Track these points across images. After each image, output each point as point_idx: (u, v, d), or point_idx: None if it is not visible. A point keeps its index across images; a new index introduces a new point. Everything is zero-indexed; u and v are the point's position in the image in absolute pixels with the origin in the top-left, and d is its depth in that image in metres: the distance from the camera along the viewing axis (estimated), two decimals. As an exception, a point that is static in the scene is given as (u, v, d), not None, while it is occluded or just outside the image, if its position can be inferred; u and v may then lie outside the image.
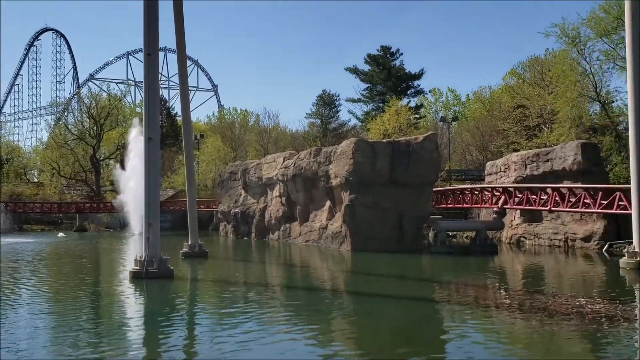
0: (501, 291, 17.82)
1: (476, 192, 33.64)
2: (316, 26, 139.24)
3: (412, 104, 69.48)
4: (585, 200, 26.42)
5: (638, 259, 20.29)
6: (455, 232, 36.58)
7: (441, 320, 13.78)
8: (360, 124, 73.46)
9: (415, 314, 14.10)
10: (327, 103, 75.80)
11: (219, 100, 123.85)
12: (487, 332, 12.03)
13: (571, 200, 27.38)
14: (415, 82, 72.59)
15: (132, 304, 15.95)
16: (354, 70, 73.29)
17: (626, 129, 28.99)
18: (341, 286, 19.60)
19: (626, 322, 12.76)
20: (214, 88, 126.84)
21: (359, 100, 74.48)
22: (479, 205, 34.02)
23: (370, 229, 30.04)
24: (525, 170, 33.97)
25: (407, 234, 30.39)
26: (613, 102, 41.16)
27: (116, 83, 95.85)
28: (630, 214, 21.66)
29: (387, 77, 70.29)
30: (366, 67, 72.67)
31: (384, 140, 35.25)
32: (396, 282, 20.63)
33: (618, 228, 28.81)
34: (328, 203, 34.41)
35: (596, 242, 29.03)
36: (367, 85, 73.26)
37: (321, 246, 33.07)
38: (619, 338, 11.38)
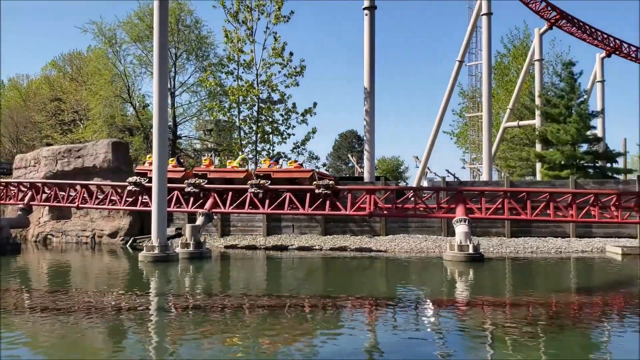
0: (23, 293, 16.91)
1: (1, 187, 30.92)
2: None
3: None
4: (112, 198, 27.65)
5: (154, 252, 22.48)
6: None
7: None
8: None
9: None
10: None
11: None
12: (6, 339, 11.22)
13: (99, 197, 28.23)
14: None
15: None
16: None
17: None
18: None
19: (140, 311, 13.98)
20: None
21: None
22: (3, 202, 31.38)
23: None
24: (56, 165, 33.16)
25: None
26: (147, 105, 44.36)
27: None
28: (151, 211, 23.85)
29: None
30: None
31: None
32: None
33: (142, 224, 31.22)
34: None
35: (122, 238, 30.71)
36: None
37: None
38: (131, 329, 12.38)
